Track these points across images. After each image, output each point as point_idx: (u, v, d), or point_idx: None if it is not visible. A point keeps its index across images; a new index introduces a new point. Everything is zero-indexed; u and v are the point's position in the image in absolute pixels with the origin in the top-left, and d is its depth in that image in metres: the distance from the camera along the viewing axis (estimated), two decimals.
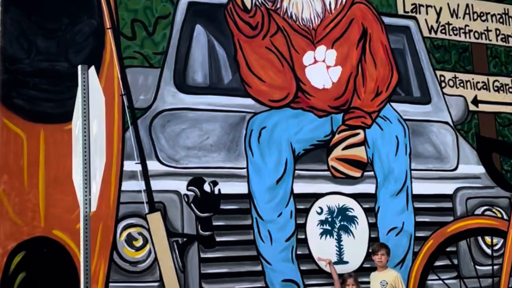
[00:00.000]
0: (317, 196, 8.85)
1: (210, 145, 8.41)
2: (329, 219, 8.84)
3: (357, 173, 9.11)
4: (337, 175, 9.00)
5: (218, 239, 8.22)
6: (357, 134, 9.18)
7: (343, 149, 9.07)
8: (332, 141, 9.05)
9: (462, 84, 10.08)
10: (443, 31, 10.16)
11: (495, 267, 9.64)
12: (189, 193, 8.18)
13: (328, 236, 8.79)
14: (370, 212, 9.06)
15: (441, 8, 10.24)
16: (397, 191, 9.25)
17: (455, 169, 9.71)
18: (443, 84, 9.92)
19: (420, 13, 10.06)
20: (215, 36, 8.74)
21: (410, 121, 9.54)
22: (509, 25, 10.75)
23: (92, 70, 5.38)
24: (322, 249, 8.71)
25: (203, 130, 8.40)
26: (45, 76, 7.78)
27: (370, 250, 8.71)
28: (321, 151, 8.99)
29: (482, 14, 10.56)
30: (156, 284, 7.85)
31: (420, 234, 9.26)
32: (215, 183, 8.31)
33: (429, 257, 9.24)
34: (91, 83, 5.34)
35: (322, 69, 9.21)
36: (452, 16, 10.31)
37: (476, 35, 10.42)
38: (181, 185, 8.17)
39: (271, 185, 8.60)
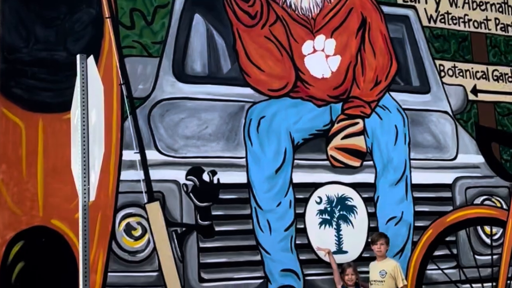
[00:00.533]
0: (316, 185, 8.84)
1: (209, 135, 8.39)
2: (328, 209, 8.84)
3: (356, 163, 9.10)
4: (336, 165, 8.99)
5: (217, 228, 8.22)
6: (356, 123, 9.16)
7: (342, 138, 9.06)
8: (331, 131, 9.04)
9: (461, 74, 10.06)
10: (442, 20, 10.13)
11: (495, 256, 9.65)
12: (188, 182, 8.17)
13: (327, 226, 8.79)
14: (369, 201, 9.06)
15: None
16: (396, 181, 9.24)
17: (455, 158, 9.71)
18: (442, 74, 9.90)
19: (419, 2, 10.03)
20: (214, 25, 8.71)
21: (409, 110, 9.52)
22: (509, 14, 10.72)
23: (91, 59, 5.37)
24: (321, 238, 8.71)
25: (202, 120, 8.38)
26: (44, 65, 7.75)
27: (369, 240, 8.72)
28: (320, 140, 8.98)
29: (481, 4, 10.53)
30: (154, 273, 7.85)
31: (419, 223, 9.26)
32: (214, 173, 8.30)
33: (428, 247, 9.24)
34: (89, 72, 5.33)
35: (321, 58, 9.18)
36: (451, 5, 10.28)
37: (476, 24, 10.39)
38: (180, 175, 8.16)
39: (270, 175, 8.59)
